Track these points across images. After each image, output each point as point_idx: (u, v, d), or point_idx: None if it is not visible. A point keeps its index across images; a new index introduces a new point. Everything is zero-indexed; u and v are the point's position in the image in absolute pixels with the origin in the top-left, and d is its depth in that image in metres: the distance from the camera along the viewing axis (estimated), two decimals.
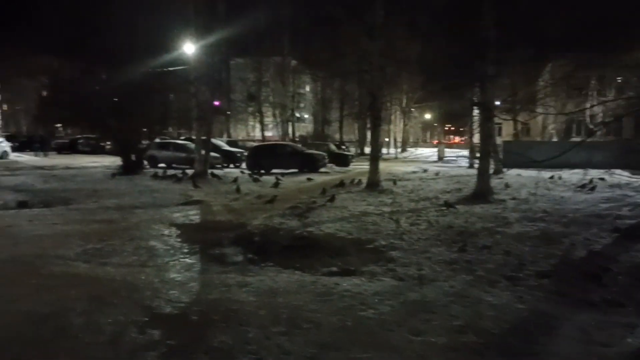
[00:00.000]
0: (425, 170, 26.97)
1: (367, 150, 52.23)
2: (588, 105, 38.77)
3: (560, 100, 36.42)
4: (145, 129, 23.09)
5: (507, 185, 17.71)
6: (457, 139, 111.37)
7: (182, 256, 7.93)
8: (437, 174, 24.49)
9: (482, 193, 14.40)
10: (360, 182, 18.49)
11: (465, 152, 46.40)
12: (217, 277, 6.63)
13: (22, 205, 12.89)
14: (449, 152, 50.96)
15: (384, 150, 54.43)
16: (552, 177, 20.97)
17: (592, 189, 16.48)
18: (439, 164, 37.93)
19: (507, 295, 5.84)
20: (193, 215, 11.92)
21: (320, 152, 28.05)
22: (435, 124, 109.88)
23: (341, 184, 17.63)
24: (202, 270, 7.06)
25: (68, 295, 5.75)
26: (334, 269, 7.05)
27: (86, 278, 6.47)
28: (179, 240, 9.14)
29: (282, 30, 49.76)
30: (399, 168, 30.02)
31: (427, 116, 78.37)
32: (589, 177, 19.71)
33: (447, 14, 13.57)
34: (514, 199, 14.43)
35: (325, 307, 5.43)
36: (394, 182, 18.25)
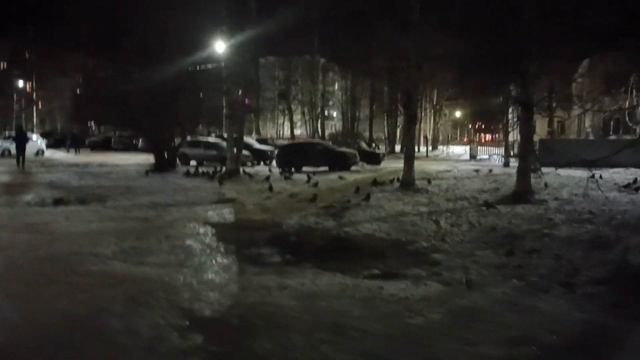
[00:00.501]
0: (458, 170, 26.41)
1: (397, 148, 52.01)
2: (627, 102, 37.64)
3: (597, 97, 35.34)
4: (177, 127, 23.14)
5: (546, 185, 17.09)
6: (487, 137, 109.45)
7: (218, 256, 7.77)
8: (474, 172, 23.94)
9: (522, 193, 13.89)
10: (394, 181, 18.15)
11: (497, 150, 45.55)
12: (255, 279, 6.43)
13: (58, 202, 12.96)
14: (480, 150, 50.13)
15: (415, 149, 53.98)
16: (592, 177, 20.16)
17: (637, 189, 15.77)
18: (472, 162, 37.21)
19: (562, 303, 5.48)
20: (227, 213, 11.80)
21: (352, 150, 27.74)
22: (465, 122, 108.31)
23: (375, 183, 17.29)
24: (239, 271, 6.87)
25: (105, 296, 5.62)
26: (376, 271, 6.78)
27: (123, 277, 6.35)
28: (214, 239, 9.00)
29: (311, 28, 49.63)
30: (432, 167, 29.47)
31: (458, 114, 77.17)
32: (632, 177, 18.92)
33: (486, 8, 13.08)
34: (556, 199, 13.88)
35: (370, 313, 5.17)
36: (429, 181, 17.81)
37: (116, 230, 9.34)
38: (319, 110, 52.43)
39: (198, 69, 28.30)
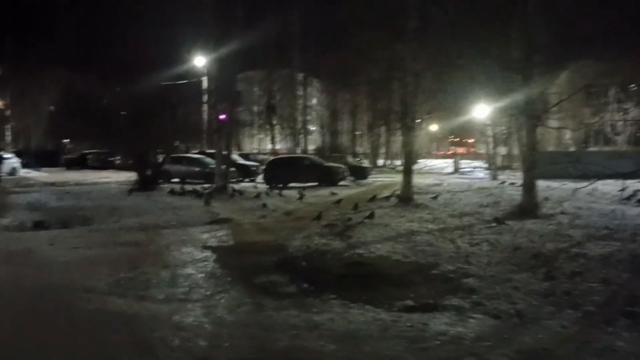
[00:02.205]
0: (447, 183, 25.96)
1: (380, 162, 51.62)
2: (608, 114, 37.91)
3: (577, 109, 35.44)
4: (161, 143, 22.18)
5: (546, 199, 16.66)
6: (461, 150, 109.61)
7: (226, 287, 6.95)
8: (465, 185, 23.51)
9: (529, 208, 13.36)
10: (391, 196, 17.54)
11: (479, 163, 45.46)
12: (276, 316, 5.65)
13: (38, 225, 12.00)
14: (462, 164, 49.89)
15: (397, 162, 53.53)
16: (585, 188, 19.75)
17: None
18: (456, 175, 36.89)
19: (637, 338, 4.83)
20: (224, 235, 10.96)
21: (340, 165, 27.09)
22: (442, 136, 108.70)
23: (372, 199, 16.63)
24: (255, 305, 6.08)
25: (109, 341, 4.80)
26: (410, 302, 6.05)
27: (125, 317, 5.51)
28: (217, 266, 8.18)
29: (292, 42, 49.21)
30: (419, 180, 28.94)
31: (434, 127, 76.96)
32: (629, 189, 18.63)
33: (489, 13, 12.70)
34: (562, 213, 13.38)
35: (426, 359, 4.44)
36: (435, 197, 17.04)
37: (107, 257, 8.46)
38: (300, 124, 51.74)
39: (180, 82, 27.49)
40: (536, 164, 13.62)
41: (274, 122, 52.15)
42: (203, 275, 7.59)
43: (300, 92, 52.17)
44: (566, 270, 7.08)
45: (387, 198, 17.42)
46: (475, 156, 54.92)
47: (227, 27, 19.79)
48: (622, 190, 15.07)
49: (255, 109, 55.42)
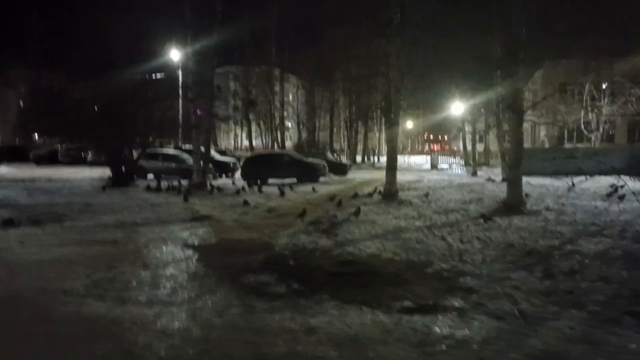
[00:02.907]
0: (428, 180, 25.87)
1: (358, 158, 51.49)
2: (582, 111, 38.35)
3: (553, 106, 35.77)
4: (136, 139, 21.50)
5: (527, 195, 16.63)
6: (436, 147, 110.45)
7: (212, 287, 6.58)
8: (445, 182, 23.44)
9: (514, 204, 13.26)
10: (374, 193, 17.33)
11: (456, 160, 45.62)
12: (269, 318, 5.31)
13: (8, 223, 11.36)
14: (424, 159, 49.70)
15: (373, 159, 53.50)
16: (573, 185, 19.85)
17: (621, 197, 15.48)
18: (435, 171, 36.92)
19: None
20: (206, 233, 10.56)
21: (320, 161, 26.79)
22: (417, 133, 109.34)
23: (354, 195, 16.37)
24: (245, 307, 5.73)
25: (91, 351, 4.39)
26: (408, 303, 5.77)
27: (107, 323, 5.10)
28: (200, 265, 7.80)
29: (269, 38, 48.65)
30: (399, 177, 28.80)
31: (410, 124, 77.24)
32: (608, 185, 18.75)
33: (475, 10, 12.54)
34: (547, 209, 13.31)
35: None
36: (427, 195, 16.77)
37: (83, 257, 7.99)
38: (277, 120, 51.25)
39: (155, 77, 26.81)
40: (521, 161, 13.52)
41: (252, 117, 51.51)
42: (186, 275, 7.20)
43: (277, 88, 51.61)
44: (564, 268, 6.90)
45: (370, 195, 17.20)
46: (450, 153, 55.10)
47: (205, 21, 19.28)
48: (613, 187, 15.11)
49: (232, 104, 54.76)
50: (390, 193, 15.66)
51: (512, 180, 13.58)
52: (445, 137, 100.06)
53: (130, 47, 21.81)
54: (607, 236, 9.35)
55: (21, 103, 48.60)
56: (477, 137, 32.95)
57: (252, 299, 6.08)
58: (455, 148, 65.94)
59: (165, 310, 5.59)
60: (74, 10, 22.11)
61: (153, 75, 26.31)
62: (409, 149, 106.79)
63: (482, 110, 26.88)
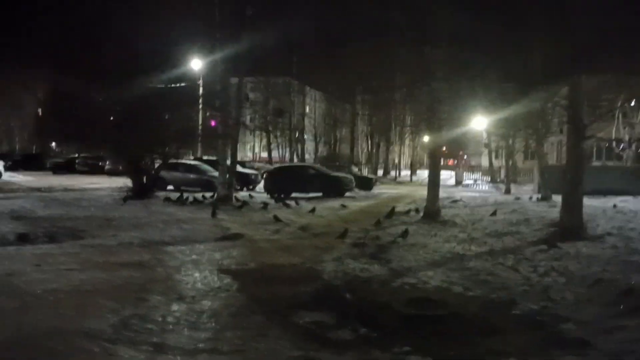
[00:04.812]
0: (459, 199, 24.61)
1: (379, 172, 50.23)
2: (613, 128, 36.85)
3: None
4: (158, 149, 20.53)
5: None
6: (450, 162, 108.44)
7: (261, 329, 5.47)
8: (479, 199, 22.24)
9: (572, 228, 12.00)
10: (410, 211, 16.19)
11: (478, 176, 44.20)
12: None
13: (22, 238, 10.42)
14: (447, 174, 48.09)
15: (393, 173, 52.23)
16: (615, 206, 18.52)
17: None
18: (460, 188, 35.58)
19: None
20: (240, 255, 9.46)
21: (347, 175, 25.67)
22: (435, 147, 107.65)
23: (392, 213, 15.20)
24: None
25: None
26: None
27: None
28: (242, 298, 6.70)
29: (291, 50, 47.86)
30: (424, 193, 27.65)
31: (426, 138, 76.05)
32: None
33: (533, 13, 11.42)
34: (609, 234, 12.07)
35: None
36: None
37: (107, 285, 6.90)
38: (297, 133, 50.32)
39: (178, 85, 25.99)
40: (582, 179, 12.28)
41: (277, 128, 50.55)
42: (228, 311, 6.09)
43: (299, 100, 50.79)
44: None
45: (407, 213, 16.05)
46: (469, 169, 53.64)
47: (234, 27, 18.38)
48: None
49: (251, 114, 53.91)
50: (432, 212, 14.50)
51: (571, 202, 12.30)
52: (460, 152, 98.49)
53: (152, 54, 21.00)
54: None
55: (39, 110, 48.27)
56: (505, 153, 31.53)
57: (313, 348, 4.98)
58: (473, 163, 64.60)
59: None
60: (92, 14, 21.27)
61: (174, 84, 25.52)
62: (425, 163, 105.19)
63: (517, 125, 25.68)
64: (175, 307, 6.12)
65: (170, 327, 5.43)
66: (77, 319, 5.36)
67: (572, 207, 12.37)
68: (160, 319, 5.62)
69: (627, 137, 36.88)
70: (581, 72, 11.48)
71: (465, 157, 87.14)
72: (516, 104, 19.97)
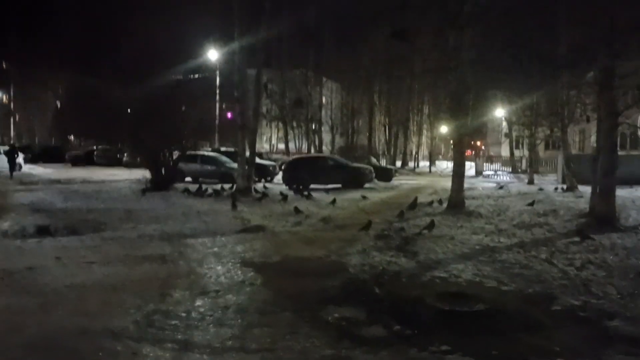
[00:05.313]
0: (482, 188, 24.15)
1: (398, 163, 49.68)
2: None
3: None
4: (177, 140, 20.39)
5: None
6: (468, 152, 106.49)
7: (290, 326, 5.23)
8: (500, 190, 21.78)
9: (606, 218, 11.58)
10: (433, 202, 15.81)
11: (498, 166, 43.41)
12: None
13: (43, 231, 10.32)
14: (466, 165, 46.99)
15: (411, 164, 51.67)
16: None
17: None
18: (481, 179, 34.97)
19: None
20: (263, 247, 9.23)
21: (367, 166, 25.27)
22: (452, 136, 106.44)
23: (414, 204, 14.85)
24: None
25: None
26: None
27: None
28: (268, 292, 6.46)
29: (307, 40, 47.47)
30: (446, 183, 27.19)
31: (444, 128, 75.03)
32: None
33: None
34: None
35: None
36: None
37: (130, 280, 6.72)
38: (314, 124, 49.96)
39: (193, 77, 25.85)
40: (616, 168, 11.82)
41: (294, 119, 50.24)
42: (255, 307, 5.86)
43: (316, 91, 50.38)
44: None
45: (430, 204, 15.68)
46: (488, 159, 52.72)
47: (254, 16, 18.10)
48: None
49: (268, 105, 53.70)
50: (456, 203, 14.12)
51: (604, 191, 11.87)
52: (478, 143, 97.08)
53: (170, 47, 20.87)
54: None
55: (58, 104, 48.60)
56: (528, 143, 30.79)
57: (345, 346, 4.73)
58: (492, 154, 63.57)
59: None
60: (112, 9, 21.20)
61: (191, 75, 25.37)
62: (442, 153, 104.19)
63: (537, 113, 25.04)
64: (199, 302, 5.91)
65: (195, 323, 5.22)
66: (100, 317, 5.18)
67: (605, 196, 11.94)
68: (184, 315, 5.42)
69: None
70: (615, 55, 10.95)
71: (483, 147, 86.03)
72: (541, 90, 19.55)
